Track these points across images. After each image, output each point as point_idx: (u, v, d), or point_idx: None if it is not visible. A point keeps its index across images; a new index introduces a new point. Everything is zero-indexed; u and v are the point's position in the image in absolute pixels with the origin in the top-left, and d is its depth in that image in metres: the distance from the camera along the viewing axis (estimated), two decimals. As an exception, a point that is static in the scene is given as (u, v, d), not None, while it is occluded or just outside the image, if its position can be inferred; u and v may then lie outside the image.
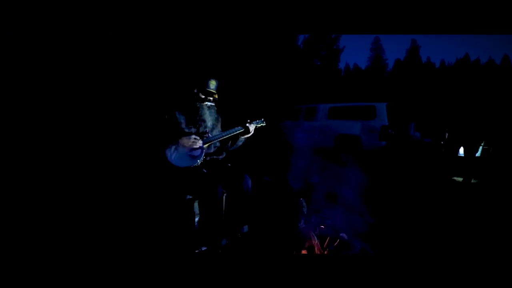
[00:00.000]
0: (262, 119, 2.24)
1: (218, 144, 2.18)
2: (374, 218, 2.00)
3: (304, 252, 1.83)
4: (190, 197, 2.02)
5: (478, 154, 5.08)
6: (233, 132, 2.12)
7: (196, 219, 2.06)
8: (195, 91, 2.05)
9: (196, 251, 1.91)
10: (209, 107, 2.12)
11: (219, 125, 2.21)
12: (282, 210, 2.59)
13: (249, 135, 2.18)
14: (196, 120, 2.06)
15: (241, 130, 2.13)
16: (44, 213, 2.51)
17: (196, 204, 2.05)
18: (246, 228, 2.13)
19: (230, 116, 2.33)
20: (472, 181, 4.41)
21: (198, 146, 1.97)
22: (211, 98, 2.09)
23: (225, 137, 2.11)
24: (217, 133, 2.13)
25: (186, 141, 1.95)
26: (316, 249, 1.82)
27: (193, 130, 2.05)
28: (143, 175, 2.51)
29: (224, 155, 2.21)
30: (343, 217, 2.05)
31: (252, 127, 2.15)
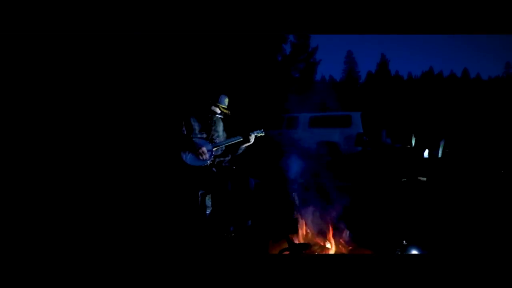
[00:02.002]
0: (262, 130, 2.61)
1: (224, 148, 2.55)
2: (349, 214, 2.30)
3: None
4: (203, 191, 2.37)
5: (439, 156, 5.80)
6: (235, 140, 2.48)
7: (208, 211, 2.41)
8: (212, 107, 2.43)
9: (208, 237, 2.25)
10: (219, 118, 2.51)
11: (225, 133, 2.59)
12: (279, 204, 2.96)
13: (249, 143, 2.53)
14: (208, 129, 2.43)
15: (240, 139, 2.49)
16: (72, 209, 2.73)
17: (207, 198, 2.40)
18: (250, 222, 2.49)
19: (234, 125, 2.71)
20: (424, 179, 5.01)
21: (203, 158, 2.32)
22: (223, 112, 2.47)
23: (229, 143, 2.49)
24: (223, 140, 2.51)
25: (196, 152, 2.31)
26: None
27: (204, 135, 2.42)
28: (163, 172, 2.84)
29: (229, 157, 2.59)
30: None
31: (252, 137, 2.50)
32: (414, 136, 6.53)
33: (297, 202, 2.83)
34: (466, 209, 3.36)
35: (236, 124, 2.67)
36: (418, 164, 5.77)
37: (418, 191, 4.52)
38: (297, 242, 2.02)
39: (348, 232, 2.07)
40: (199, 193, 2.36)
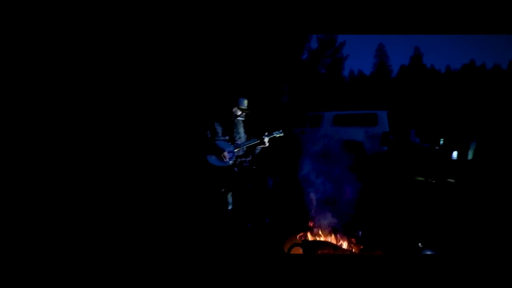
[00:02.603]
0: (281, 130, 2.77)
1: (245, 149, 2.75)
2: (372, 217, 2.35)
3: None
4: (225, 189, 2.60)
5: (470, 158, 5.54)
6: (252, 142, 2.67)
7: (229, 208, 2.64)
8: (233, 110, 2.64)
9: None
10: (240, 120, 2.72)
11: (246, 134, 2.79)
12: (295, 204, 3.11)
13: (263, 146, 2.69)
14: (231, 131, 2.65)
15: (257, 141, 2.66)
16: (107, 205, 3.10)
17: (229, 195, 2.63)
18: (268, 220, 2.68)
19: (254, 126, 2.90)
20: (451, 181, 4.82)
21: (228, 160, 2.54)
22: (244, 114, 2.67)
23: (248, 145, 2.68)
24: (244, 141, 2.71)
25: (219, 154, 2.54)
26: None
27: (227, 138, 2.64)
28: (191, 172, 3.14)
29: (250, 157, 2.78)
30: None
31: (266, 139, 2.65)
32: (443, 136, 6.27)
33: (314, 201, 2.96)
34: (495, 215, 3.26)
35: (256, 126, 2.86)
36: (446, 165, 5.56)
37: (445, 193, 4.40)
38: (311, 239, 2.16)
39: (360, 233, 2.17)
40: (222, 190, 2.59)
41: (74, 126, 4.12)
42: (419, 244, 2.49)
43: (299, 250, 1.95)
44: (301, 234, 2.21)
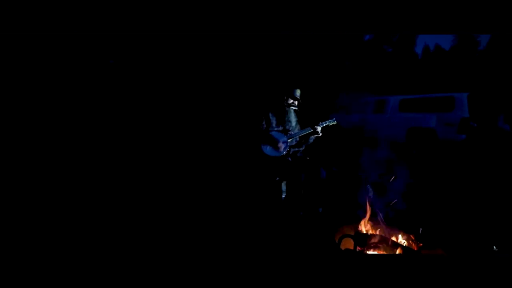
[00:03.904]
0: (334, 119, 2.75)
1: (298, 139, 2.80)
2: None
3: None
4: (278, 179, 2.72)
5: None
6: (305, 132, 2.72)
7: (283, 196, 2.76)
8: (285, 98, 2.72)
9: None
10: (293, 110, 2.77)
11: (299, 124, 2.83)
12: (350, 195, 3.05)
13: (317, 135, 2.71)
14: (284, 121, 2.73)
15: (310, 131, 2.70)
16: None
17: (283, 184, 2.75)
18: (321, 209, 2.72)
19: (307, 115, 2.92)
20: None
21: (282, 150, 2.64)
22: (296, 103, 2.72)
23: (301, 135, 2.73)
24: (297, 131, 2.76)
25: (275, 145, 2.66)
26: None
27: (281, 128, 2.73)
28: (247, 162, 3.35)
29: (303, 147, 2.83)
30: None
31: (319, 129, 2.68)
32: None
33: (370, 194, 2.86)
34: None
35: (309, 115, 2.87)
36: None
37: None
38: (364, 232, 2.14)
39: (420, 230, 2.06)
40: (276, 179, 2.72)
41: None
42: (494, 247, 2.24)
43: (350, 242, 1.96)
44: (354, 225, 2.20)
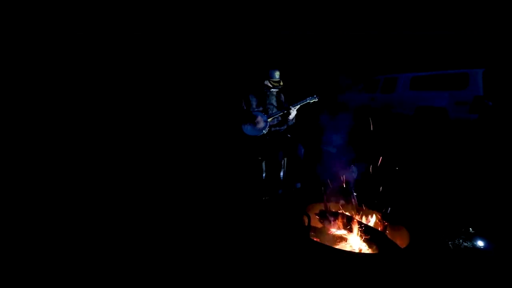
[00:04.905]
0: (315, 95, 2.71)
1: (279, 118, 2.81)
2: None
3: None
4: (260, 158, 2.77)
5: None
6: (281, 112, 2.75)
7: (264, 175, 2.82)
8: (265, 82, 2.70)
9: (263, 198, 2.69)
10: (273, 92, 2.76)
11: (281, 105, 2.82)
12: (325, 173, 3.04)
13: (291, 115, 2.73)
14: (264, 103, 2.74)
15: (284, 112, 2.73)
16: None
17: (263, 164, 2.80)
18: (299, 184, 2.77)
19: (293, 95, 2.89)
20: None
21: (261, 125, 2.65)
22: (277, 84, 2.70)
23: (279, 114, 2.75)
24: (275, 111, 2.77)
25: (254, 123, 2.69)
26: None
27: (261, 109, 2.74)
28: (228, 141, 3.44)
29: (285, 127, 2.84)
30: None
31: (293, 109, 2.69)
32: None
33: (354, 174, 2.85)
34: None
35: (290, 94, 2.86)
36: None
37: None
38: (333, 210, 2.16)
39: (389, 209, 2.07)
40: (258, 159, 2.78)
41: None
42: (470, 229, 2.22)
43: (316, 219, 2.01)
44: (321, 203, 2.22)
